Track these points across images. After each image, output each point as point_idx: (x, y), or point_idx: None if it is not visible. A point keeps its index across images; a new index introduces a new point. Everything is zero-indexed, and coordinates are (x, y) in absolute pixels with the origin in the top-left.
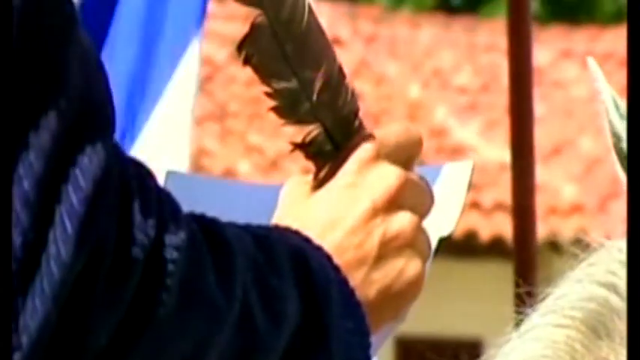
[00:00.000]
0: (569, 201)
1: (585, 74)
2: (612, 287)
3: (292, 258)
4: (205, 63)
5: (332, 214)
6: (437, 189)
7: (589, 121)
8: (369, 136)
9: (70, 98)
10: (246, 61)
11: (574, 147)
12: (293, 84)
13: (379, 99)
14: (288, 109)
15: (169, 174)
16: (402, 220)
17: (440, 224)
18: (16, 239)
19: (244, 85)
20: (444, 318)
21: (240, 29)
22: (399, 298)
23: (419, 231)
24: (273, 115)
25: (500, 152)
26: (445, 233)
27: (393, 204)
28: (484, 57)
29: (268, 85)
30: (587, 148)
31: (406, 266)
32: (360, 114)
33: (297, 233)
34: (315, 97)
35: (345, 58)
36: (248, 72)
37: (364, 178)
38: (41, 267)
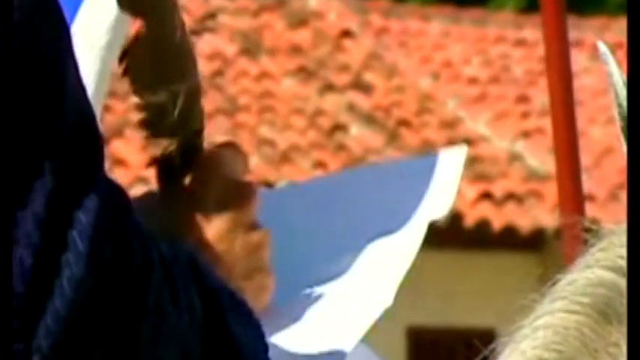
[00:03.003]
0: None
1: (595, 65)
2: (622, 272)
3: (189, 264)
4: (215, 57)
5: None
6: (434, 175)
7: (599, 111)
8: (212, 154)
9: (70, 128)
10: (126, 72)
11: (584, 137)
12: (162, 97)
13: (390, 91)
14: (155, 122)
15: None
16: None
17: (433, 207)
18: (27, 260)
19: (254, 79)
20: (456, 308)
21: (250, 23)
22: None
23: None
24: (283, 109)
25: (510, 143)
26: (438, 216)
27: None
28: (494, 49)
29: (141, 97)
30: (597, 138)
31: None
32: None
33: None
34: (177, 112)
35: (356, 50)
36: (258, 66)
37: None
38: (54, 288)
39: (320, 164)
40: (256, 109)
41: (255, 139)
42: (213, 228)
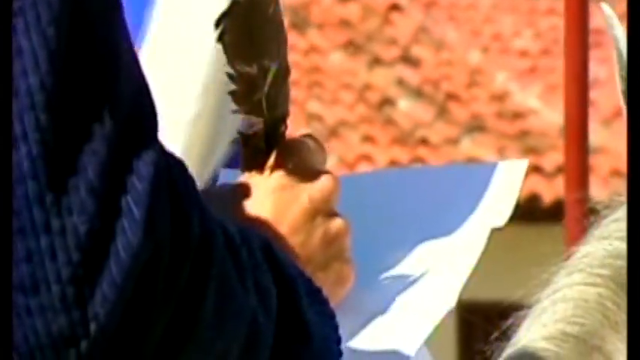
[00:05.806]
0: None
1: None
2: None
3: (264, 250)
4: None
5: (273, 212)
6: (493, 184)
7: None
8: (293, 141)
9: (123, 95)
10: (220, 38)
11: None
12: (253, 70)
13: (439, 65)
14: (245, 95)
15: None
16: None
17: (494, 214)
18: (81, 227)
19: (303, 53)
20: (506, 282)
21: None
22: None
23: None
24: (332, 83)
25: (560, 116)
26: (497, 224)
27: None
28: (544, 21)
29: (233, 67)
30: None
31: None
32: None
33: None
34: (266, 88)
35: (404, 24)
36: (307, 40)
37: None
38: (109, 255)
39: (369, 139)
40: (305, 84)
41: (304, 114)
42: (292, 215)
